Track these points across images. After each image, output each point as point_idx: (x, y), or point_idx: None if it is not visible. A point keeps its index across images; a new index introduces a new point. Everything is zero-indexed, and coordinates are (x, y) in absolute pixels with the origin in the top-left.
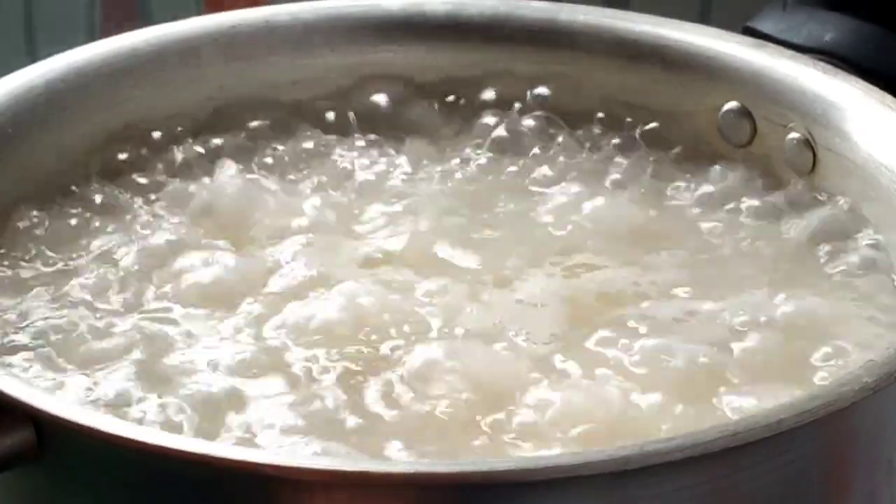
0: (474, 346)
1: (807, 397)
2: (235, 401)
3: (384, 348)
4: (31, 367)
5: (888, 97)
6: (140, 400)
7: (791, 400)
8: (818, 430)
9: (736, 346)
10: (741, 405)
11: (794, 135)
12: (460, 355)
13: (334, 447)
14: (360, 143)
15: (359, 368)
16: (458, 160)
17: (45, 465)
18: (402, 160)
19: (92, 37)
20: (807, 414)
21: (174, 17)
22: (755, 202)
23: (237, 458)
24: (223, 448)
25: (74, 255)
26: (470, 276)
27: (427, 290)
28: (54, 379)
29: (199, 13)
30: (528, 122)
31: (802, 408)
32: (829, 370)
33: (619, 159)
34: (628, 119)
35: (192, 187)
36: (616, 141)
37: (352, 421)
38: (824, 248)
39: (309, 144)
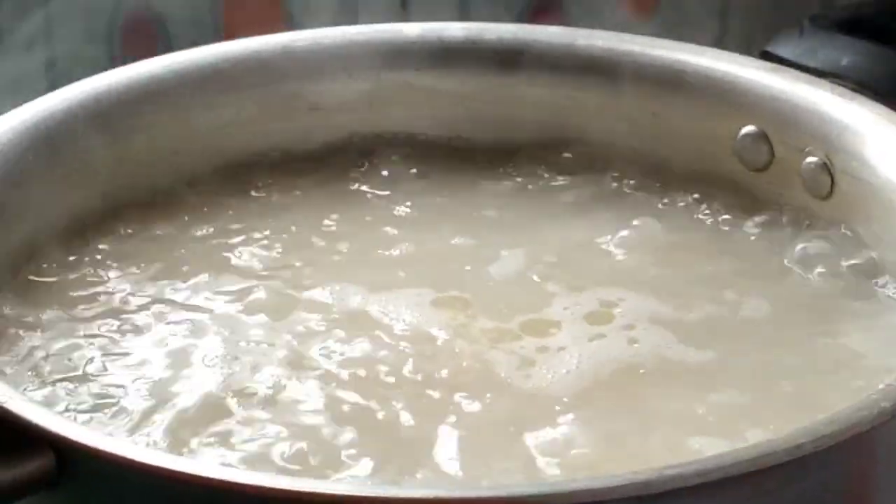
0: None
1: (826, 422)
2: None
3: None
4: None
5: None
6: None
7: (810, 425)
8: (837, 454)
9: None
10: None
11: (811, 159)
12: None
13: None
14: (380, 171)
15: None
16: (483, 193)
17: (64, 492)
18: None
19: (112, 63)
20: (826, 438)
21: (194, 44)
22: (773, 226)
23: (259, 483)
24: (245, 474)
25: (98, 289)
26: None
27: None
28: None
29: (218, 40)
30: (547, 145)
31: (821, 432)
32: None
33: (635, 182)
34: (645, 143)
35: (222, 212)
36: (633, 165)
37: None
38: (842, 271)
39: (330, 170)
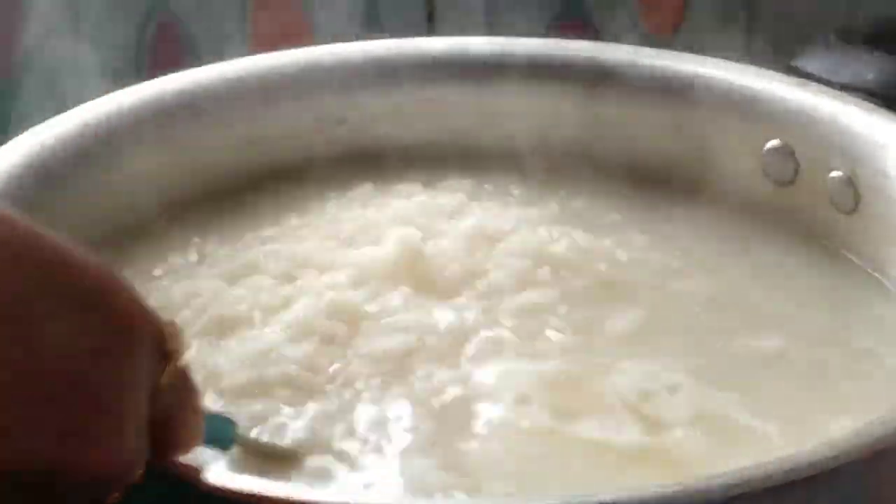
0: None
1: (850, 436)
2: None
3: None
4: None
5: None
6: None
7: (835, 438)
8: (862, 468)
9: None
10: None
11: (837, 173)
12: None
13: None
14: (406, 185)
15: None
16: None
17: None
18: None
19: (140, 77)
20: (851, 452)
21: (221, 58)
22: (800, 241)
23: (294, 498)
24: (282, 487)
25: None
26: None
27: None
28: None
29: (246, 54)
30: (574, 158)
31: (846, 446)
32: None
33: (660, 195)
34: (670, 156)
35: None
36: (657, 179)
37: None
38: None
39: (355, 182)
